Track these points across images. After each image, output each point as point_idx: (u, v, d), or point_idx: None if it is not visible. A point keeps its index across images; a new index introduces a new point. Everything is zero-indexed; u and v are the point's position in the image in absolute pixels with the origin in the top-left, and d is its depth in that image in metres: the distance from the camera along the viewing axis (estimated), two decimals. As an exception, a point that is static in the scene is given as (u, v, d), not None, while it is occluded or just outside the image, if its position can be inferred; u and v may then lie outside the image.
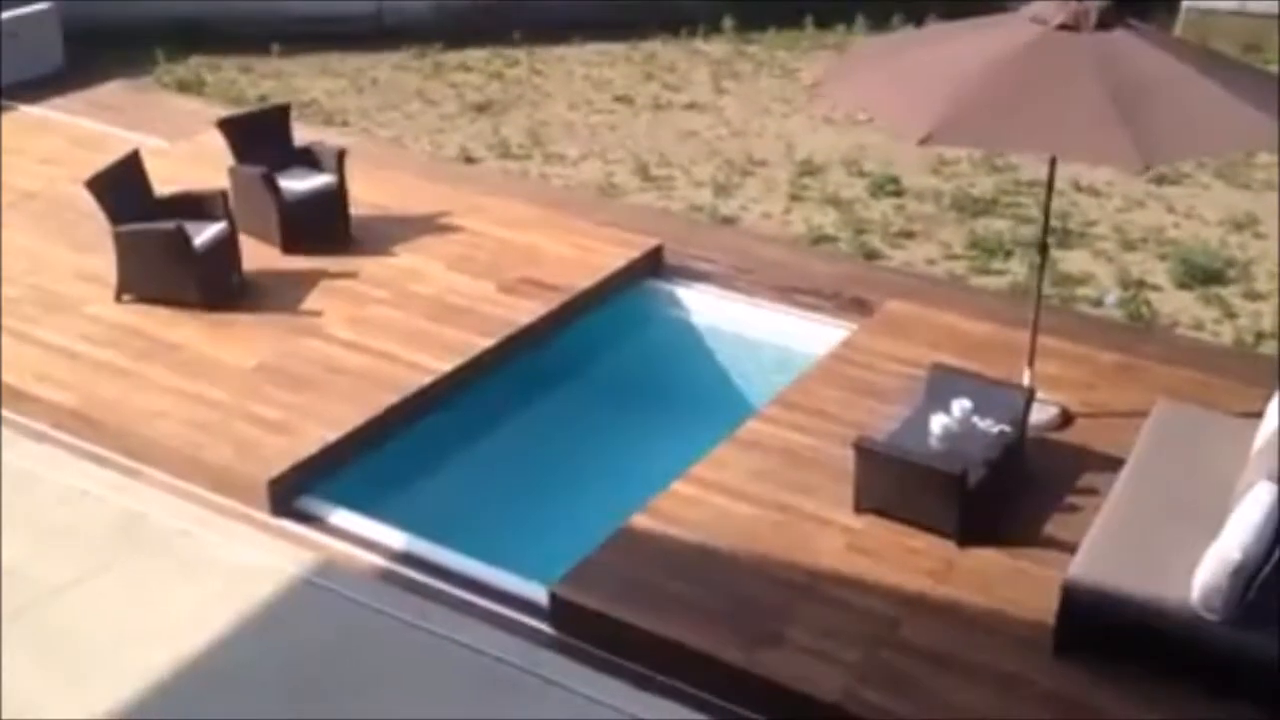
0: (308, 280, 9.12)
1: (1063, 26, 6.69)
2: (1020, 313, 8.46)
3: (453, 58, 14.74)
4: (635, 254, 9.52)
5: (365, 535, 6.98)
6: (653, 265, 9.62)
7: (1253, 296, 9.96)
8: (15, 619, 6.32)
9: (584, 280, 9.14)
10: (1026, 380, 7.48)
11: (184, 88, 13.40)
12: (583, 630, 6.25)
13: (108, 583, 6.62)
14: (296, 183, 9.67)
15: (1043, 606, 6.03)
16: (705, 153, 12.50)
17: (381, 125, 13.03)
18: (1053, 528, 6.70)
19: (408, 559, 6.84)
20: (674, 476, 7.13)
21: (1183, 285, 10.09)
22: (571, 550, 6.60)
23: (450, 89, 14.06)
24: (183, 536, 6.94)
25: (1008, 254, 10.50)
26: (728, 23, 15.48)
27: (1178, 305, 9.82)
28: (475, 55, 14.84)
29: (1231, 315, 9.69)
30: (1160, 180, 11.68)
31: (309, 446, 7.36)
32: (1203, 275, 10.14)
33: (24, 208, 10.20)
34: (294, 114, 10.54)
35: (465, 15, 15.29)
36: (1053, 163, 7.31)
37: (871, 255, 10.48)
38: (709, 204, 11.40)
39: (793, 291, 9.32)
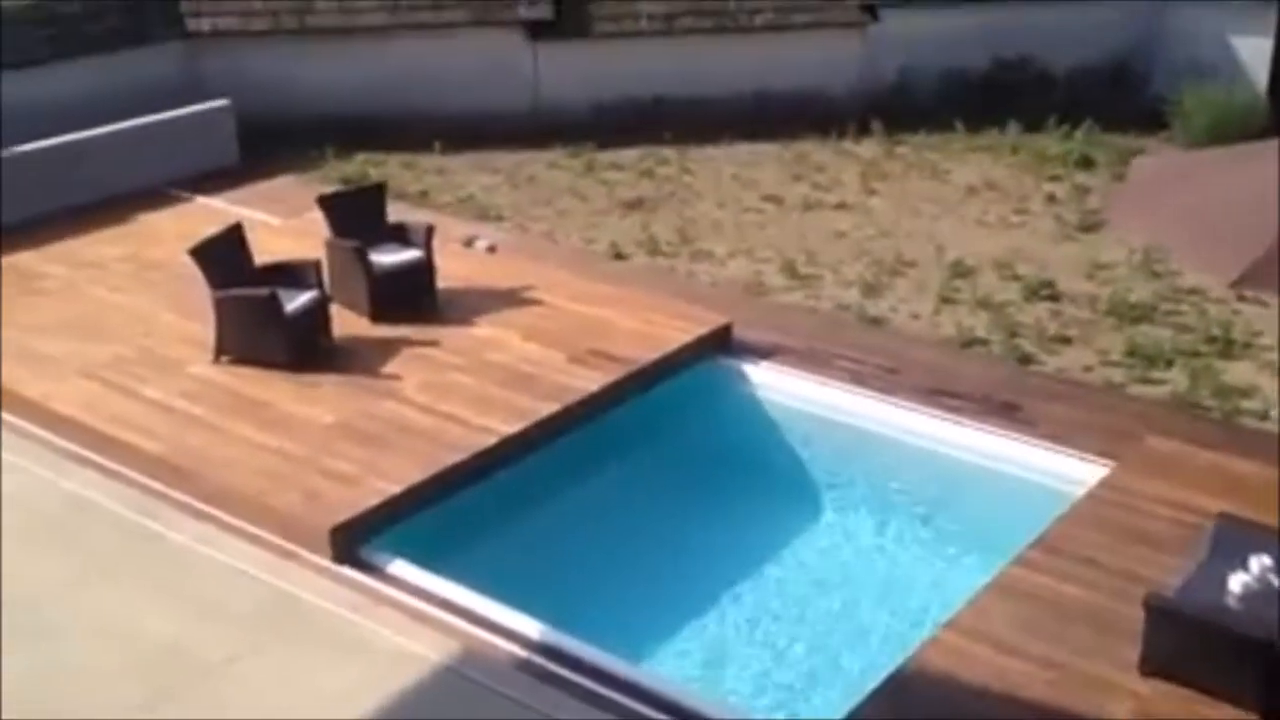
0: (391, 347, 9.57)
1: None
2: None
3: (605, 156, 15.06)
4: (702, 330, 9.77)
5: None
6: (721, 343, 9.83)
7: None
8: (174, 697, 6.51)
9: (649, 354, 9.40)
10: None
11: (349, 183, 13.92)
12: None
13: (259, 663, 6.78)
14: (387, 256, 10.17)
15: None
16: (853, 253, 12.50)
17: (535, 220, 13.34)
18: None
19: (564, 659, 6.72)
20: (725, 547, 7.19)
21: (1355, 399, 9.68)
22: (613, 613, 6.72)
23: (602, 186, 14.35)
24: (332, 619, 7.09)
25: (1168, 363, 10.22)
26: (877, 124, 15.54)
27: (1350, 420, 9.42)
28: (627, 154, 15.14)
29: None
30: (1330, 289, 11.26)
31: (371, 498, 7.71)
32: (1377, 390, 9.72)
33: (143, 277, 10.96)
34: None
35: (619, 113, 15.66)
36: None
37: (1025, 360, 10.29)
38: (856, 303, 11.37)
39: (939, 394, 9.17)
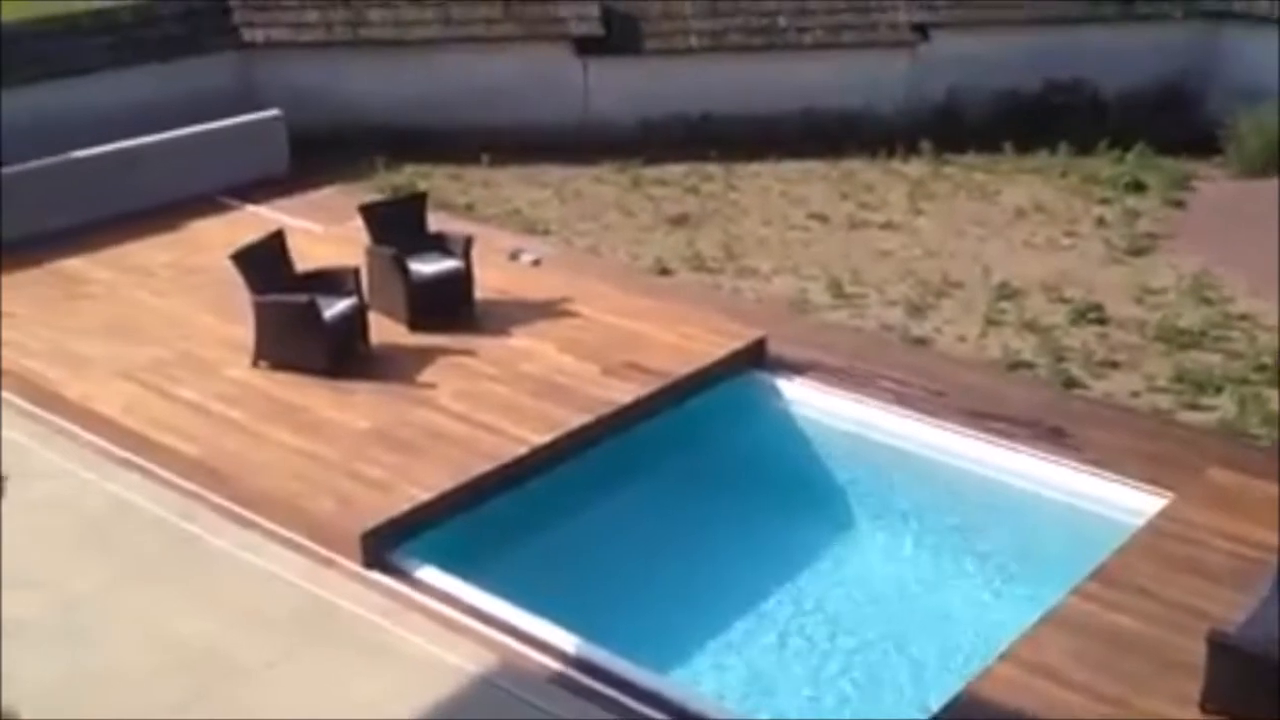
0: (428, 355, 9.65)
1: None
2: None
3: (652, 172, 15.05)
4: (736, 345, 9.80)
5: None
6: (755, 358, 9.86)
7: None
8: (209, 701, 6.54)
9: (682, 367, 9.44)
10: None
11: (397, 194, 14.01)
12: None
13: (291, 669, 6.80)
14: (426, 265, 10.23)
15: None
16: (899, 272, 12.41)
17: (580, 235, 13.35)
18: None
19: (593, 670, 6.72)
20: (754, 562, 7.29)
21: None
22: (640, 626, 6.78)
23: (648, 201, 14.34)
24: (363, 625, 7.11)
25: (1218, 389, 10.05)
26: (926, 144, 15.44)
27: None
28: (674, 170, 15.12)
29: None
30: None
31: (402, 504, 7.76)
32: None
33: (186, 282, 11.07)
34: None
35: (667, 129, 15.67)
36: None
37: (1071, 384, 10.17)
38: (901, 323, 11.28)
39: (984, 417, 9.09)
